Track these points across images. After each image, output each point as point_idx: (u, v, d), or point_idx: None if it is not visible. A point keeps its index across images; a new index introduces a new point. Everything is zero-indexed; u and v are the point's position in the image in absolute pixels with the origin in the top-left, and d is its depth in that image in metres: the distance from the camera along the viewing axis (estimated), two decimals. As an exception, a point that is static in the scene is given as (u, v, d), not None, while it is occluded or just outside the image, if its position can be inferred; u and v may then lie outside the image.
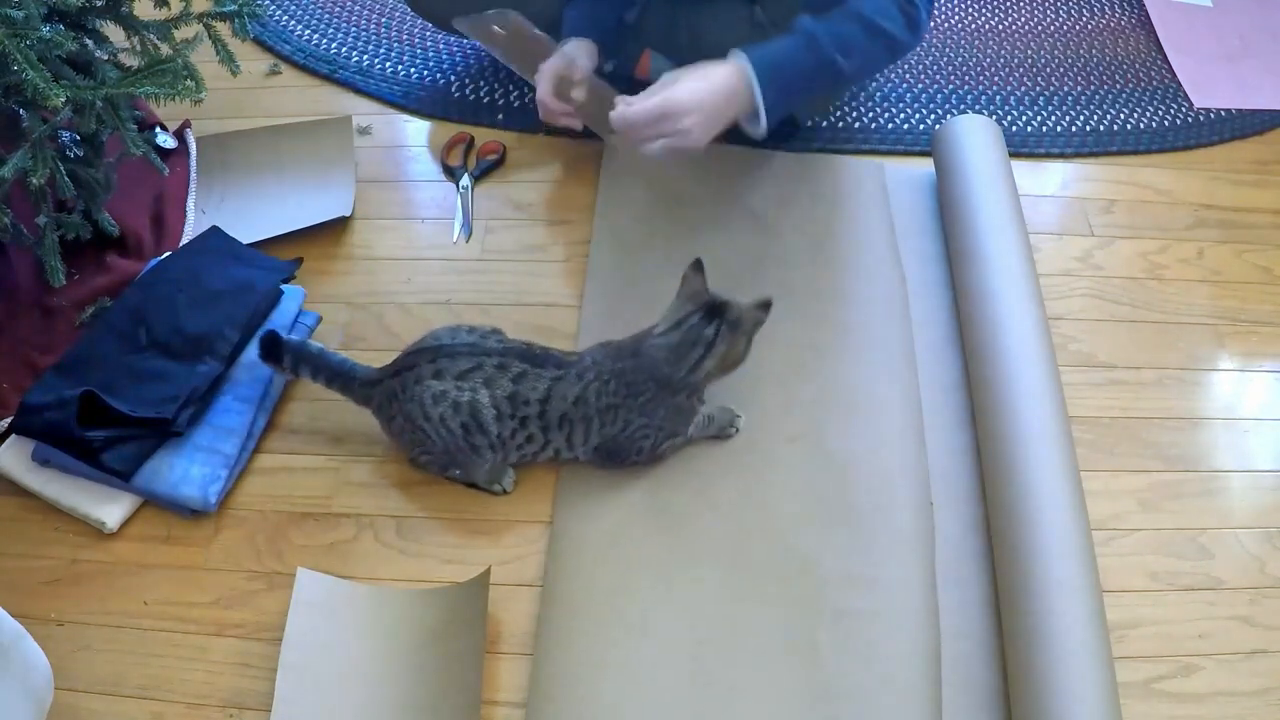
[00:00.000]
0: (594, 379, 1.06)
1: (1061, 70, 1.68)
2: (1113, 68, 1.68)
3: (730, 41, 1.27)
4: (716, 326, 1.04)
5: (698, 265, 1.07)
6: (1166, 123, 1.58)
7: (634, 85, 1.51)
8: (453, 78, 1.65)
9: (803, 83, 1.24)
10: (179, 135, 1.52)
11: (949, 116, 1.51)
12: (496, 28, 1.42)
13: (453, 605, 1.03)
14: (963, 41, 1.73)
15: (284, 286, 1.28)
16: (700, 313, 1.04)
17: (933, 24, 1.77)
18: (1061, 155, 1.53)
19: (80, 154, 1.29)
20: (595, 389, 1.06)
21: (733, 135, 1.49)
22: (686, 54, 1.45)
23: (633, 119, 1.19)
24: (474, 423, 1.05)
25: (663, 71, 1.51)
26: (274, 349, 1.13)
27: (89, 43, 1.26)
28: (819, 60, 1.21)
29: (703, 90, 1.19)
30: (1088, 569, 0.97)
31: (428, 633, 1.02)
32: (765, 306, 1.06)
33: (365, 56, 1.70)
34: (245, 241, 1.34)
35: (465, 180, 1.48)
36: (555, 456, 1.11)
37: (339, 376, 1.12)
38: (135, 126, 1.25)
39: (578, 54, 1.36)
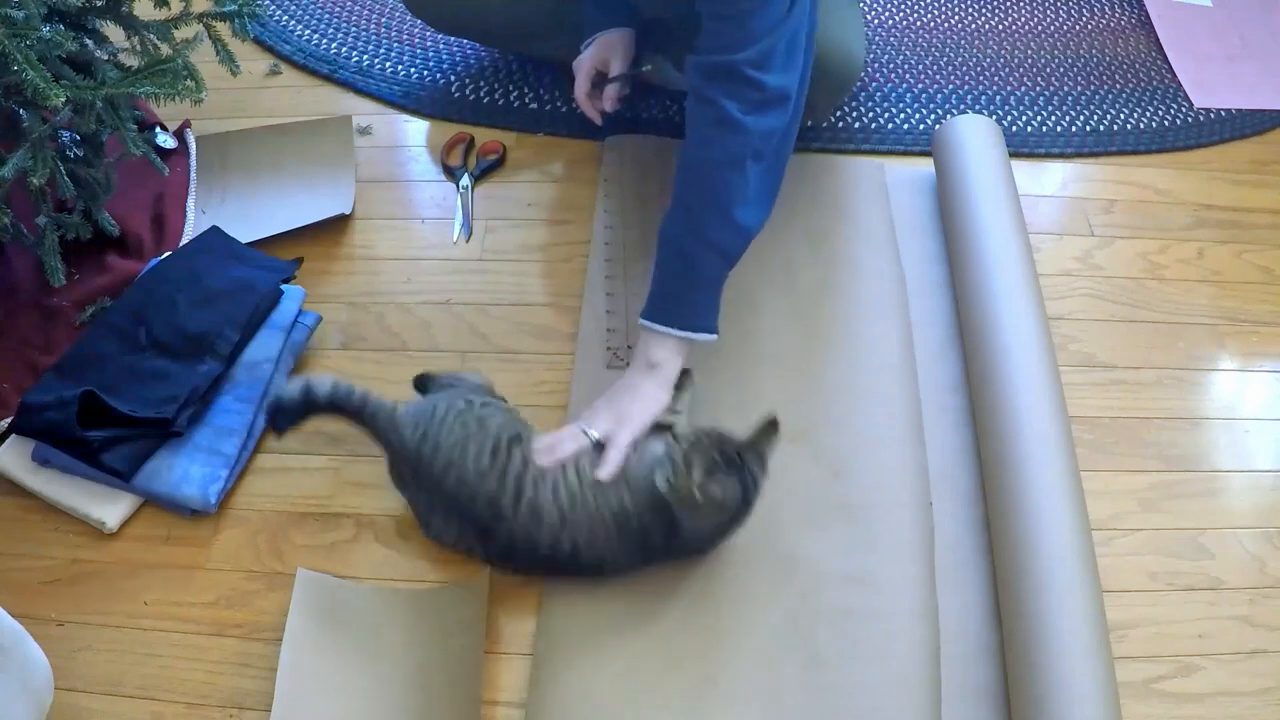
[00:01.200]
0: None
1: (1061, 70, 1.68)
2: (1113, 68, 1.68)
3: None
4: (747, 478, 0.99)
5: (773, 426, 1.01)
6: (1166, 123, 1.58)
7: (639, 87, 1.52)
8: (453, 78, 1.65)
9: (690, 276, 1.11)
10: (179, 135, 1.52)
11: (949, 116, 1.51)
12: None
13: (452, 606, 1.03)
14: (963, 41, 1.73)
15: (284, 286, 1.28)
16: (721, 460, 0.98)
17: (933, 24, 1.77)
18: (1061, 155, 1.53)
19: (80, 154, 1.29)
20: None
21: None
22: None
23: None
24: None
25: (664, 76, 1.52)
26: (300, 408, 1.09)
27: (89, 43, 1.26)
28: (690, 248, 1.09)
29: (597, 408, 1.09)
30: (1088, 569, 0.97)
31: (428, 633, 1.01)
32: (774, 426, 1.00)
33: (365, 56, 1.70)
34: (245, 241, 1.34)
35: (465, 180, 1.48)
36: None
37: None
38: (135, 126, 1.25)
39: (613, 51, 1.37)
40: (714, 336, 1.12)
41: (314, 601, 1.03)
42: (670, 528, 1.00)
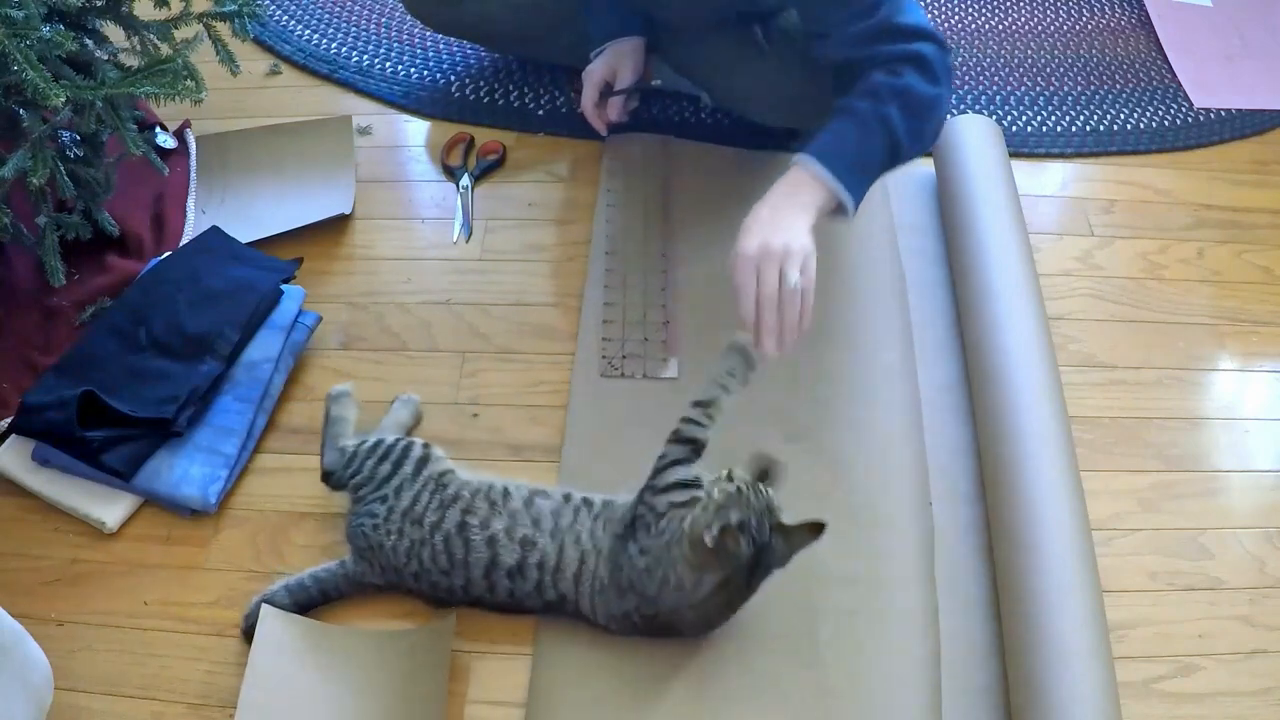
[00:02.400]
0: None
1: (1061, 70, 1.68)
2: (1113, 68, 1.68)
3: (732, 59, 1.27)
4: (757, 573, 0.95)
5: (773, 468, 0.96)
6: (1166, 123, 1.58)
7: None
8: (453, 78, 1.65)
9: (860, 149, 1.12)
10: (179, 135, 1.52)
11: (949, 116, 1.50)
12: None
13: (418, 649, 1.00)
14: (963, 41, 1.73)
15: (284, 286, 1.28)
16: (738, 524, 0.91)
17: (933, 24, 1.76)
18: (1061, 155, 1.53)
19: (80, 154, 1.28)
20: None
21: (732, 137, 1.50)
22: (694, 72, 1.44)
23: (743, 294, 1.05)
24: None
25: (664, 74, 1.52)
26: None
27: (89, 43, 1.26)
28: (868, 123, 1.11)
29: (759, 210, 1.08)
30: (1088, 569, 0.97)
31: (391, 676, 0.99)
32: (818, 530, 0.93)
33: (365, 56, 1.70)
34: (245, 241, 1.34)
35: (465, 180, 1.48)
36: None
37: None
38: (135, 126, 1.25)
39: (623, 61, 1.37)
40: (853, 208, 1.11)
41: (278, 640, 0.99)
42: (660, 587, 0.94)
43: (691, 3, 1.30)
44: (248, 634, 1.01)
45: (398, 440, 1.07)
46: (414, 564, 1.00)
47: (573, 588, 0.98)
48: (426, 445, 1.07)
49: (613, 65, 1.37)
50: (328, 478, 1.09)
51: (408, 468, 1.04)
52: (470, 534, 0.99)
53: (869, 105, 1.11)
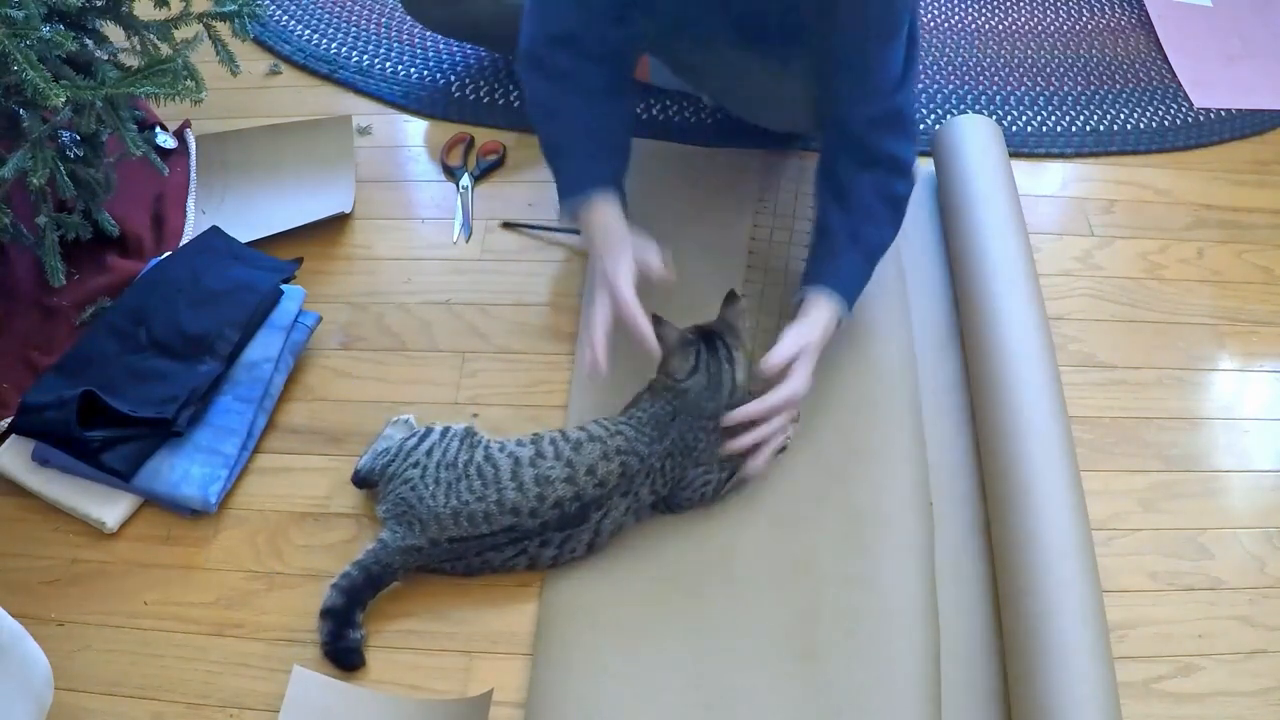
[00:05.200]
0: (645, 480, 1.05)
1: (1061, 70, 1.68)
2: (1113, 68, 1.68)
3: (746, 69, 1.23)
4: (725, 345, 1.07)
5: (731, 297, 1.10)
6: (1166, 123, 1.58)
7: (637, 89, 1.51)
8: (453, 78, 1.65)
9: (866, 277, 1.16)
10: (179, 135, 1.52)
11: (949, 116, 1.51)
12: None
13: None
14: (963, 41, 1.73)
15: (284, 286, 1.28)
16: (703, 346, 1.07)
17: (933, 24, 1.77)
18: (1061, 155, 1.53)
19: (80, 154, 1.28)
20: (648, 488, 1.05)
21: (731, 138, 1.50)
22: (701, 78, 1.40)
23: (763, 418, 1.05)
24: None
25: (662, 76, 1.51)
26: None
27: (89, 43, 1.26)
28: (874, 256, 1.16)
29: (804, 357, 1.06)
30: (1088, 569, 0.97)
31: None
32: (732, 299, 1.09)
33: (365, 56, 1.70)
34: (245, 241, 1.34)
35: (465, 180, 1.48)
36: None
37: None
38: (135, 126, 1.25)
39: (648, 248, 1.11)
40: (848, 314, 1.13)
41: (307, 702, 0.97)
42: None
43: (724, 24, 1.18)
44: (330, 655, 1.01)
45: (427, 426, 1.12)
46: (452, 500, 1.02)
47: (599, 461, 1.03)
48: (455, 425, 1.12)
49: (643, 251, 1.10)
50: (358, 474, 1.12)
51: (434, 436, 1.09)
52: (493, 453, 1.06)
53: (875, 234, 1.14)
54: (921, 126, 1.55)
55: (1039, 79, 1.66)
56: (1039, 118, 1.59)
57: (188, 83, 1.18)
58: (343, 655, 1.01)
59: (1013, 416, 1.08)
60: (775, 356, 1.04)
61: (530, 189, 1.47)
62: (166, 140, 1.50)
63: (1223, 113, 1.59)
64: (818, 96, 1.19)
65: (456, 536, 1.02)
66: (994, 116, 1.56)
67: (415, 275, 1.37)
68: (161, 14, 1.31)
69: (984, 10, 1.81)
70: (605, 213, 1.10)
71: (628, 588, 1.05)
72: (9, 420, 1.16)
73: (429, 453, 1.07)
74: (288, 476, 1.17)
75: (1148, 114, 1.59)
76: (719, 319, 1.09)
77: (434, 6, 1.52)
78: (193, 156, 1.50)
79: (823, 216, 1.15)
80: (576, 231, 1.22)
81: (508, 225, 1.38)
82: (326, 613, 1.01)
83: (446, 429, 1.10)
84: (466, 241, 1.41)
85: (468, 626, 1.04)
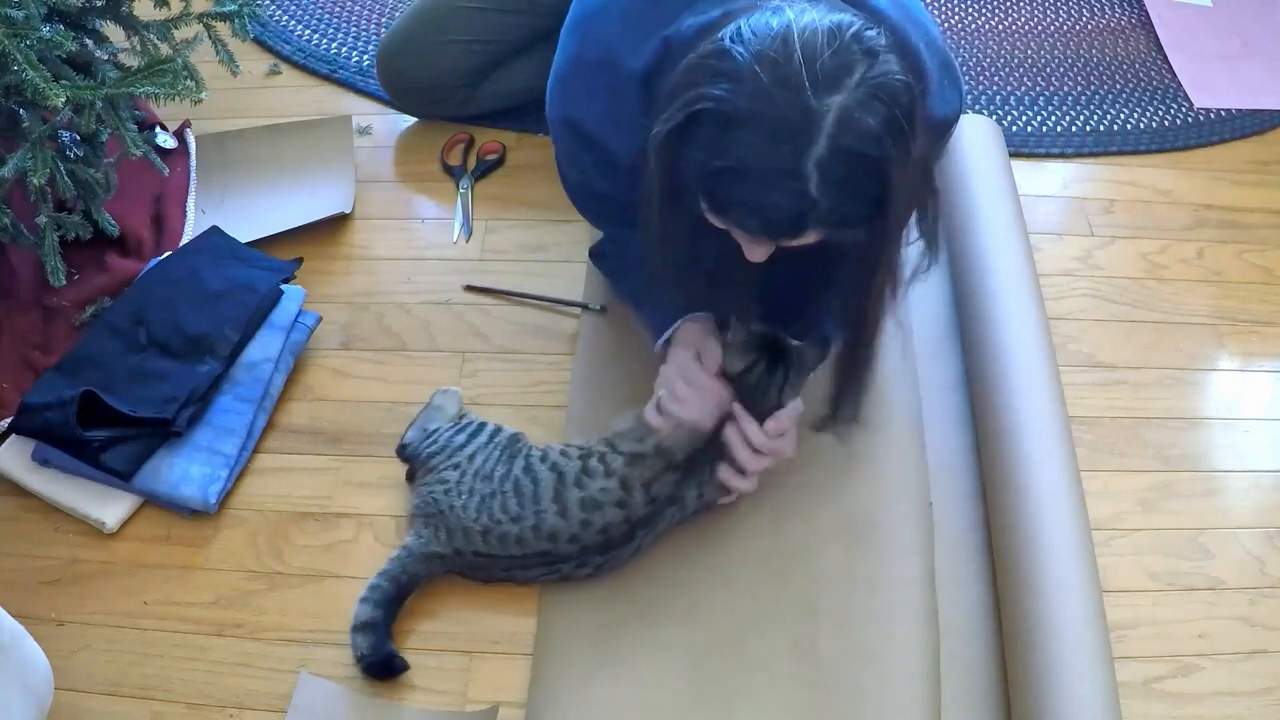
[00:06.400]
0: (694, 486, 1.04)
1: (1061, 70, 1.68)
2: (1113, 68, 1.68)
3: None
4: (785, 372, 1.01)
5: (825, 343, 1.05)
6: (1166, 123, 1.58)
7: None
8: (453, 78, 1.65)
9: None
10: (179, 135, 1.52)
11: (949, 116, 1.51)
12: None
13: None
14: (963, 41, 1.73)
15: (284, 286, 1.28)
16: (765, 359, 1.01)
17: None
18: (1061, 155, 1.53)
19: (80, 154, 1.28)
20: (695, 494, 1.04)
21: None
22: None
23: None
24: None
25: None
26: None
27: (89, 43, 1.26)
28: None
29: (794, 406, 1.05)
30: (1088, 569, 0.97)
31: None
32: (824, 344, 1.04)
33: (365, 56, 1.70)
34: (245, 241, 1.34)
35: (465, 180, 1.48)
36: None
37: None
38: (135, 126, 1.24)
39: (706, 340, 1.07)
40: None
41: (312, 709, 0.98)
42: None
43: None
44: (371, 667, 0.99)
45: (480, 420, 1.11)
46: (484, 518, 1.01)
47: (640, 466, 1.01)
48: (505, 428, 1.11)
49: (692, 347, 1.07)
50: (403, 449, 1.12)
51: (482, 438, 1.08)
52: (534, 464, 1.04)
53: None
54: (921, 126, 1.55)
55: (1039, 79, 1.66)
56: (1039, 118, 1.59)
57: (188, 83, 1.18)
58: (385, 664, 0.99)
59: (1013, 416, 1.08)
60: (783, 420, 1.03)
61: (530, 189, 1.46)
62: (166, 140, 1.50)
63: (1223, 113, 1.59)
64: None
65: (484, 553, 1.02)
66: (994, 116, 1.56)
67: (415, 275, 1.37)
68: (161, 14, 1.31)
69: (984, 10, 1.81)
70: (690, 329, 1.09)
71: (628, 588, 1.05)
72: (9, 420, 1.16)
73: (471, 457, 1.06)
74: (288, 476, 1.17)
75: (1148, 114, 1.59)
76: (800, 347, 1.02)
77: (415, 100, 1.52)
78: (193, 156, 1.50)
79: None
80: (543, 297, 1.32)
81: (470, 289, 1.34)
82: (362, 627, 1.00)
83: (497, 430, 1.09)
84: (466, 241, 1.41)
85: (468, 626, 1.04)
